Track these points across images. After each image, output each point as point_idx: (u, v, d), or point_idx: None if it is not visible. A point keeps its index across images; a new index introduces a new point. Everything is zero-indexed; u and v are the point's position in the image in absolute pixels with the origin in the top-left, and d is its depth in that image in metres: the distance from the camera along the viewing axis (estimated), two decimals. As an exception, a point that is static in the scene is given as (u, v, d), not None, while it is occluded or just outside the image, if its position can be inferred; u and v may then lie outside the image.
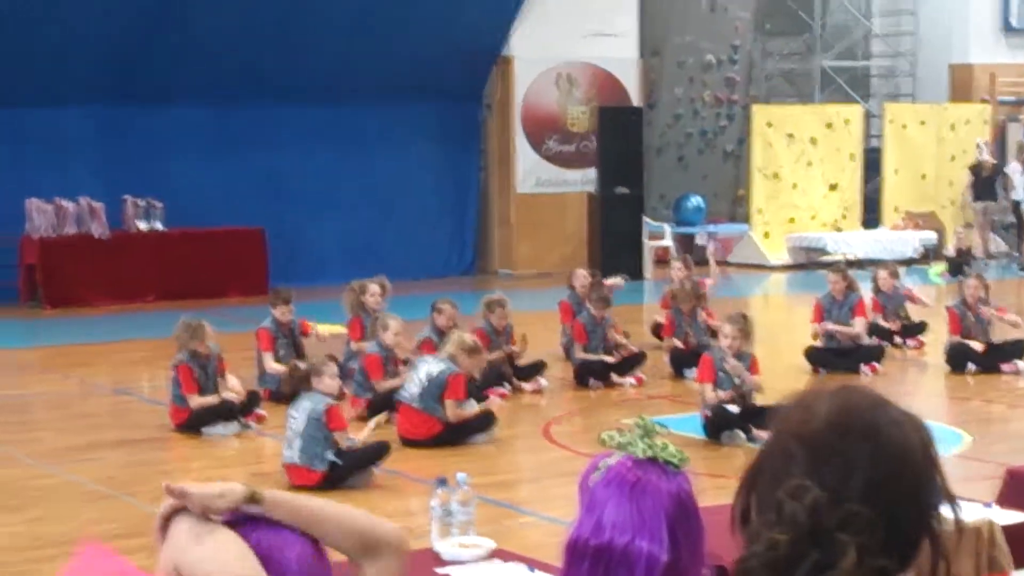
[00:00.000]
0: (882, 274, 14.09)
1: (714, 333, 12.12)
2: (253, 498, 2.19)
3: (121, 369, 13.50)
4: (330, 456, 8.81)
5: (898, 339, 13.96)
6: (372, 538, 2.28)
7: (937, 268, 20.68)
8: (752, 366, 10.18)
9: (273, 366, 11.60)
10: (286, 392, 9.55)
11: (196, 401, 10.48)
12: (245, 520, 2.20)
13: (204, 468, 9.76)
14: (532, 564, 4.90)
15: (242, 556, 2.13)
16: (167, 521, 2.19)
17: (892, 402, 1.93)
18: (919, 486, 1.88)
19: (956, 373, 12.67)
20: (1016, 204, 22.00)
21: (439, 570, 4.80)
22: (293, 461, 8.89)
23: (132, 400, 12.03)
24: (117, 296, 17.36)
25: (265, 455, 10.08)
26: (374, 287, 12.24)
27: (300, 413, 8.94)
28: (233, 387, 10.77)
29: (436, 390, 9.94)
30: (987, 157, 22.14)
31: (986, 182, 22.06)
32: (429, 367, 10.04)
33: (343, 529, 2.26)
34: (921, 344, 13.96)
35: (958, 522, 1.94)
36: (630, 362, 12.42)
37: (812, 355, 12.82)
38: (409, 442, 9.92)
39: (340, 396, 9.42)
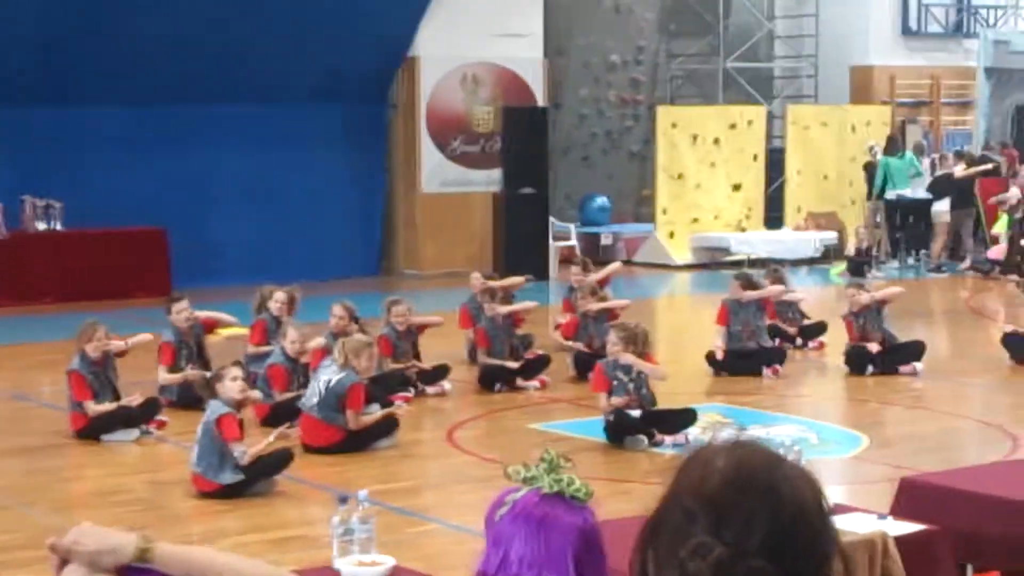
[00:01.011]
0: (767, 281, 14.06)
1: None
2: (143, 556, 2.18)
3: (19, 374, 13.30)
4: (229, 476, 8.71)
5: (799, 341, 14.14)
6: None
7: (838, 268, 20.96)
8: (646, 358, 10.18)
9: (167, 377, 11.44)
10: (204, 396, 9.46)
11: (93, 409, 10.35)
12: (136, 569, 2.18)
13: (103, 476, 9.65)
14: (432, 581, 4.90)
15: None
16: (59, 572, 2.16)
17: (784, 457, 1.98)
18: (816, 538, 1.93)
19: (855, 375, 12.85)
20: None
21: (339, 589, 4.79)
22: (193, 470, 8.82)
23: (30, 406, 11.85)
24: (14, 298, 17.09)
25: (165, 462, 9.97)
26: (280, 295, 12.11)
27: (201, 422, 8.87)
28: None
29: (334, 399, 9.88)
30: (872, 157, 22.46)
31: (869, 182, 22.38)
32: (328, 375, 9.98)
33: None
34: (822, 345, 14.14)
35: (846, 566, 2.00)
36: (534, 365, 12.45)
37: (713, 359, 12.92)
38: (312, 449, 9.87)
39: (243, 403, 9.33)
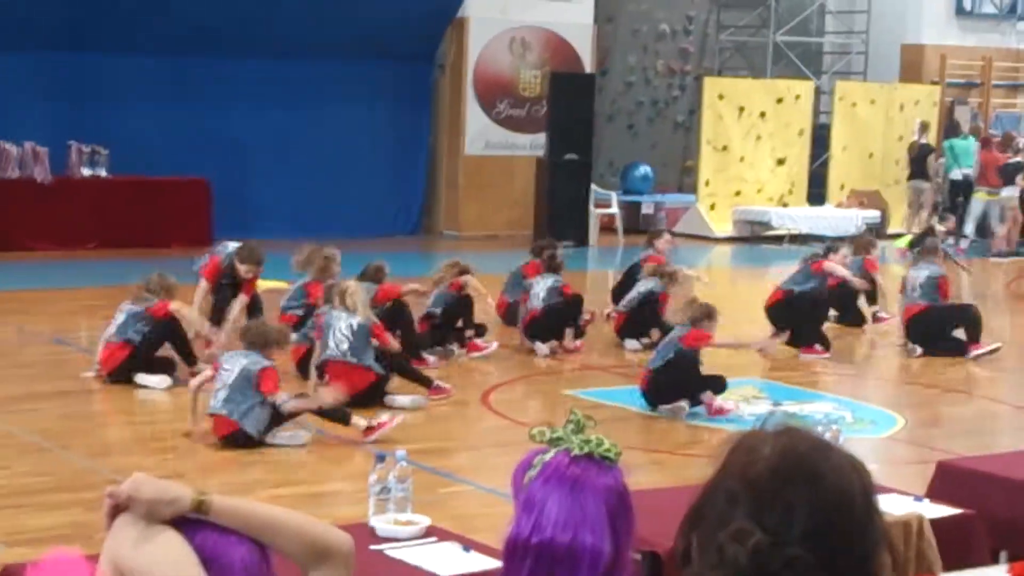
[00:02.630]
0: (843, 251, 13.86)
1: None
2: (200, 507, 2.19)
3: (60, 318, 13.38)
4: (252, 424, 8.76)
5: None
6: (322, 545, 2.28)
7: (903, 241, 20.68)
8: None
9: (198, 300, 11.52)
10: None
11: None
12: (191, 520, 2.20)
13: (139, 423, 9.73)
14: (467, 543, 4.92)
15: (182, 561, 2.13)
16: (112, 519, 2.18)
17: (834, 446, 1.96)
18: (859, 530, 1.91)
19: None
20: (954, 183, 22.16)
21: (374, 547, 4.81)
22: (217, 411, 8.85)
23: (70, 350, 11.93)
24: (58, 242, 17.20)
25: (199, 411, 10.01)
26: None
27: (233, 367, 8.87)
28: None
29: (365, 341, 9.97)
30: (916, 138, 22.30)
31: (915, 162, 22.23)
32: (345, 322, 9.98)
33: (292, 536, 2.26)
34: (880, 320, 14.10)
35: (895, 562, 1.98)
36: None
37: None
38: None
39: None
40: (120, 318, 10.59)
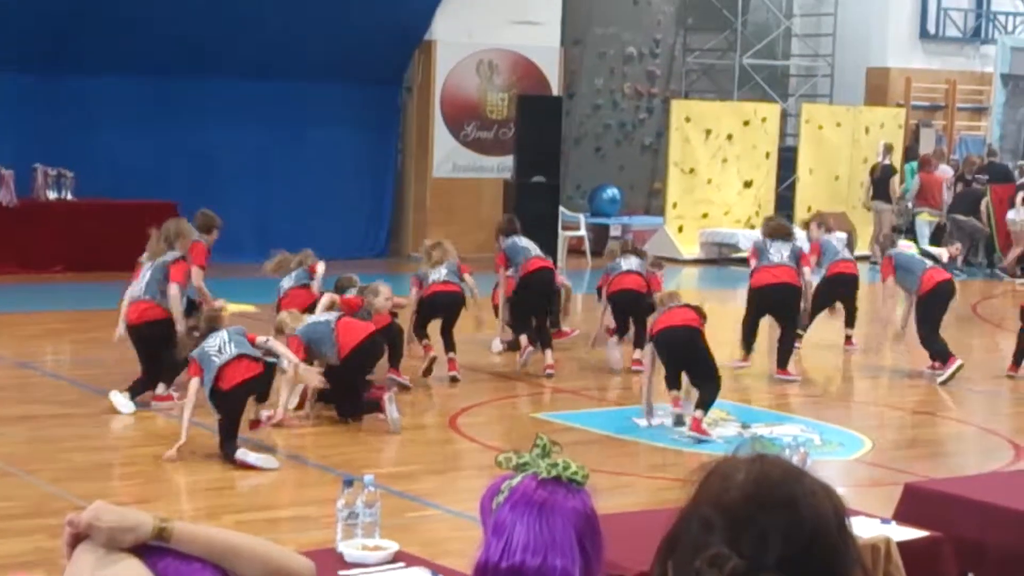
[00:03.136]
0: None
1: None
2: (161, 534, 2.17)
3: (25, 342, 13.30)
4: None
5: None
6: (284, 572, 2.27)
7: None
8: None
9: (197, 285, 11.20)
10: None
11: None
12: (153, 547, 2.18)
13: (105, 448, 9.66)
14: (436, 569, 4.90)
15: None
16: (72, 548, 2.16)
17: (807, 472, 1.97)
18: (833, 554, 1.92)
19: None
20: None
21: (342, 572, 4.78)
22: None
23: (34, 374, 11.86)
24: (23, 266, 17.10)
25: (167, 435, 9.94)
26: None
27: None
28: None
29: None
30: (880, 159, 22.44)
31: (877, 183, 22.37)
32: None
33: (254, 563, 2.25)
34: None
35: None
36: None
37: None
38: None
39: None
40: (147, 275, 10.60)
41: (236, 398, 8.97)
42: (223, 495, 8.48)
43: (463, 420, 10.68)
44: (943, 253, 19.54)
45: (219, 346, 9.01)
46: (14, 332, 13.77)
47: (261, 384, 9.18)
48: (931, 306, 12.62)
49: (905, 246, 14.71)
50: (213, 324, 9.24)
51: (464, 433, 10.27)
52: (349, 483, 5.08)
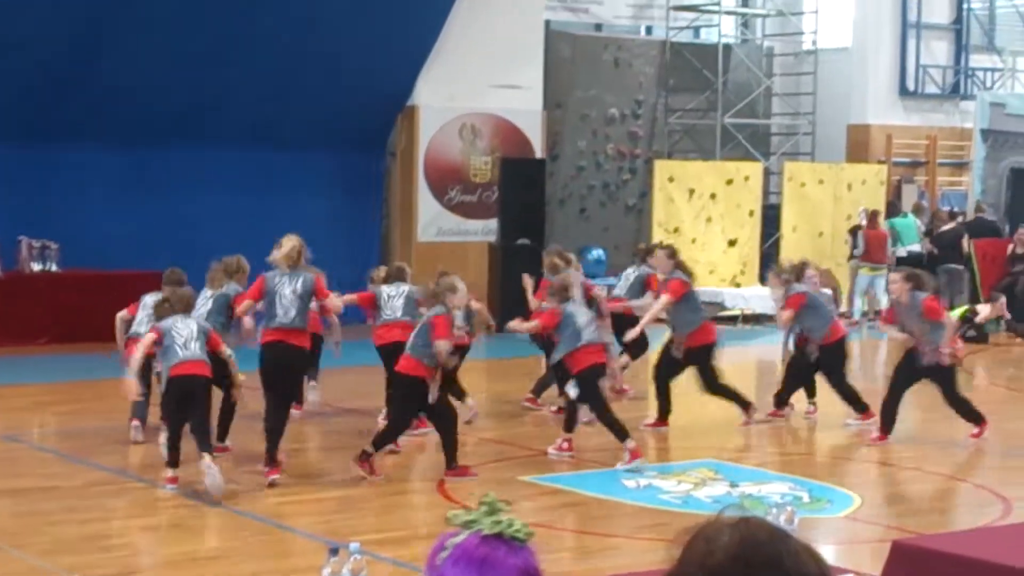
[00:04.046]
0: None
1: None
2: None
3: (11, 415, 13.26)
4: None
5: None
6: None
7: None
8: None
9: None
10: None
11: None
12: None
13: (94, 520, 9.61)
14: (422, 636, 4.88)
15: None
16: None
17: (790, 534, 1.99)
18: None
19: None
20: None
21: (328, 642, 4.77)
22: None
23: (21, 447, 11.81)
24: (8, 338, 17.05)
25: (155, 508, 9.92)
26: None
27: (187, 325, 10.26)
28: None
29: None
30: (862, 224, 22.56)
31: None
32: None
33: None
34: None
35: None
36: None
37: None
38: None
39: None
40: (208, 305, 11.07)
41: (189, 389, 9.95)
42: (211, 565, 8.44)
43: (450, 484, 10.65)
44: (986, 309, 19.75)
45: (185, 341, 9.97)
46: (1, 405, 13.72)
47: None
48: (837, 356, 13.15)
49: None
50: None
51: (451, 497, 10.23)
52: (335, 551, 5.07)
